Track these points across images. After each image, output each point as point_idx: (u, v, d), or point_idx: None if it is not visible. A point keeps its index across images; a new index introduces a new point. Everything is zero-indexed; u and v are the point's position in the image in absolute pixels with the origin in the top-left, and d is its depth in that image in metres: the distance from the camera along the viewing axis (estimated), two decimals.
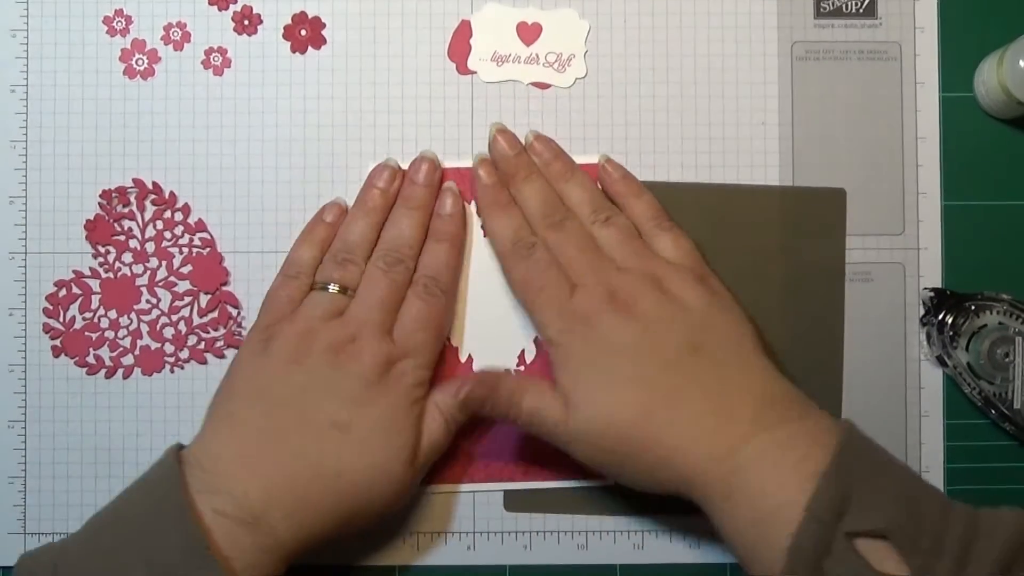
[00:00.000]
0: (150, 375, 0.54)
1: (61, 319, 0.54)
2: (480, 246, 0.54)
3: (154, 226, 0.54)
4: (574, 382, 0.47)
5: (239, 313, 0.54)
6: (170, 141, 0.54)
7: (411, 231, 0.51)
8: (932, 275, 0.54)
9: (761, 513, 0.43)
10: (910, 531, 0.40)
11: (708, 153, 0.54)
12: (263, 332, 0.49)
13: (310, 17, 0.54)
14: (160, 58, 0.54)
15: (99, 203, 0.54)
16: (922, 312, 0.54)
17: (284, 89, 0.54)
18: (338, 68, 0.54)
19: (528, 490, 0.53)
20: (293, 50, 0.54)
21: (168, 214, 0.54)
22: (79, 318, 0.54)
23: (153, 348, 0.54)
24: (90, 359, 0.53)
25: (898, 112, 0.55)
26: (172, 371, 0.54)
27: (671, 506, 0.53)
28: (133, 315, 0.54)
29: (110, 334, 0.54)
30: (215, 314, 0.54)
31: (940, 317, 0.53)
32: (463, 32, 0.55)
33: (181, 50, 0.54)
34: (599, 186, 0.53)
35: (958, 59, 0.55)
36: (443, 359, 0.53)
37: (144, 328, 0.54)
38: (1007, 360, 0.52)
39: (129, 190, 0.54)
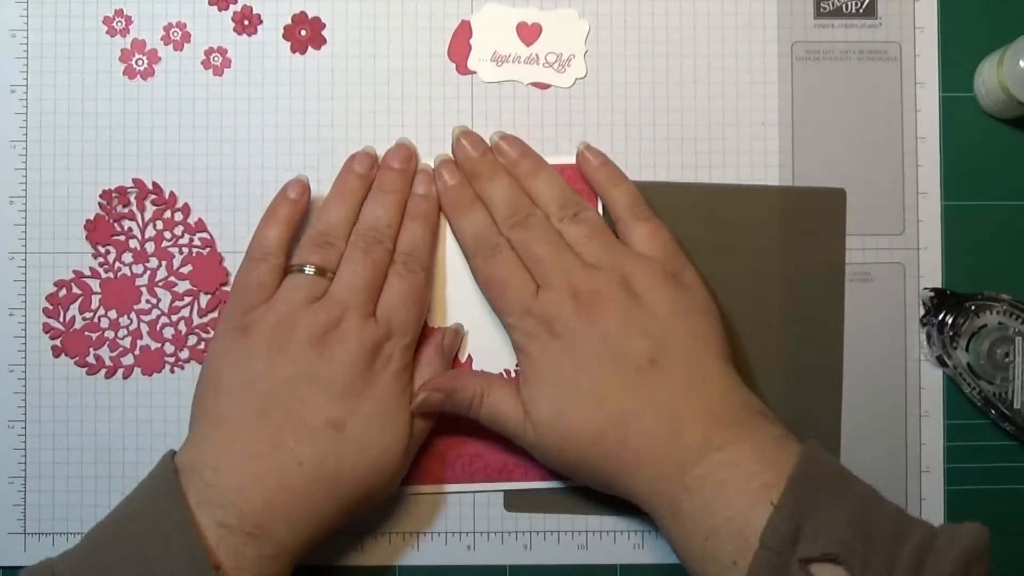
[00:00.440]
0: (150, 375, 0.54)
1: (61, 319, 0.54)
2: None
3: (154, 226, 0.54)
4: (533, 395, 0.48)
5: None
6: (170, 141, 0.54)
7: (388, 212, 0.51)
8: (932, 275, 0.54)
9: (709, 530, 0.44)
10: (862, 552, 0.41)
11: (708, 153, 0.54)
12: (238, 320, 0.49)
13: (310, 17, 0.54)
14: (160, 58, 0.54)
15: (99, 203, 0.54)
16: (922, 312, 0.54)
17: (284, 89, 0.54)
18: (338, 68, 0.54)
19: (528, 490, 0.53)
20: (293, 50, 0.54)
21: (168, 214, 0.54)
22: (79, 318, 0.54)
23: (153, 348, 0.54)
24: (90, 359, 0.54)
25: (898, 112, 0.55)
26: (172, 371, 0.54)
27: None
28: (133, 315, 0.54)
29: (110, 334, 0.54)
30: (215, 314, 0.54)
31: (940, 317, 0.53)
32: (463, 32, 0.55)
33: (181, 50, 0.54)
34: (571, 180, 0.53)
35: (958, 59, 0.55)
36: None
37: (144, 328, 0.54)
38: (1007, 360, 0.52)
39: (129, 190, 0.54)
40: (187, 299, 0.54)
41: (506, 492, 0.53)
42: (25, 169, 0.54)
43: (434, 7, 0.54)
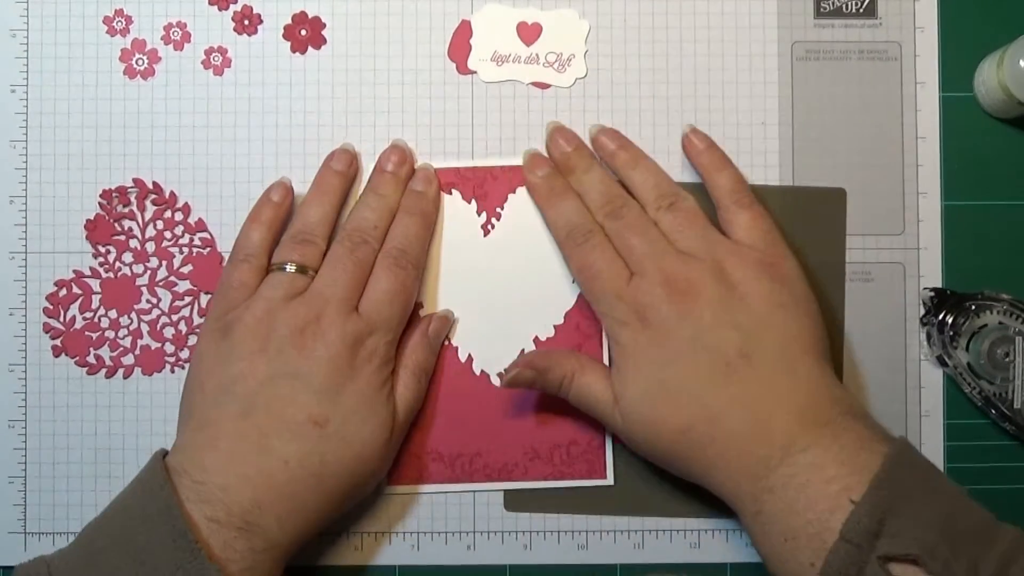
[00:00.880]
0: (150, 375, 0.54)
1: (61, 319, 0.54)
2: (480, 247, 0.54)
3: (154, 226, 0.54)
4: (624, 384, 0.48)
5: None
6: (170, 141, 0.54)
7: (377, 214, 0.51)
8: (932, 275, 0.54)
9: (791, 531, 0.43)
10: (945, 556, 0.40)
11: None
12: (220, 320, 0.49)
13: (310, 17, 0.54)
14: (160, 58, 0.54)
15: (99, 203, 0.54)
16: (922, 312, 0.54)
17: (284, 89, 0.54)
18: (338, 68, 0.54)
19: (528, 490, 0.53)
20: (293, 50, 0.54)
21: (168, 214, 0.54)
22: (79, 318, 0.54)
23: (153, 348, 0.54)
24: (90, 359, 0.54)
25: (898, 112, 0.55)
26: (172, 371, 0.54)
27: (671, 506, 0.53)
28: (133, 315, 0.54)
29: (110, 334, 0.54)
30: None
31: (940, 317, 0.53)
32: (463, 32, 0.55)
33: (181, 50, 0.54)
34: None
35: (958, 59, 0.55)
36: (442, 359, 0.53)
37: (144, 328, 0.54)
38: (1007, 360, 0.52)
39: (129, 190, 0.54)
40: (187, 299, 0.54)
41: (506, 492, 0.53)
42: (25, 169, 0.54)
43: (434, 7, 0.54)
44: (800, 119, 0.55)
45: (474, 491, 0.53)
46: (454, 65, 0.55)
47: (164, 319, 0.54)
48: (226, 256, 0.54)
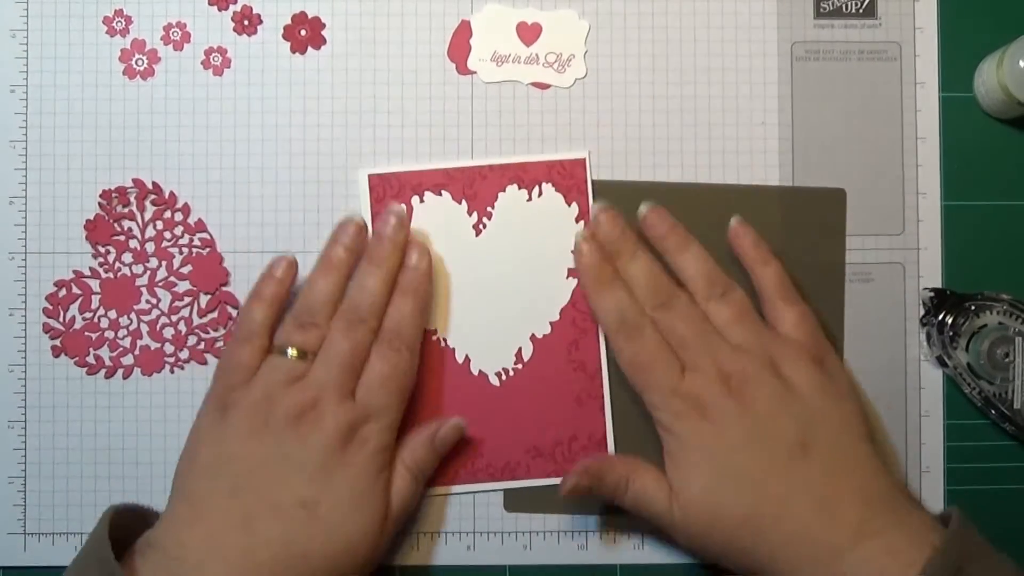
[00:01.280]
0: (150, 375, 0.54)
1: (61, 319, 0.54)
2: (472, 247, 0.54)
3: (154, 226, 0.54)
4: (683, 476, 0.48)
5: (239, 313, 0.54)
6: (170, 141, 0.54)
7: (376, 288, 0.50)
8: (932, 275, 0.54)
9: None
10: None
11: (708, 153, 0.54)
12: (219, 400, 0.49)
13: (310, 17, 0.54)
14: (160, 58, 0.54)
15: (99, 203, 0.54)
16: (922, 312, 0.54)
17: (284, 89, 0.54)
18: (338, 68, 0.54)
19: (528, 490, 0.53)
20: (293, 50, 0.54)
21: (168, 214, 0.54)
22: (79, 318, 0.54)
23: (153, 348, 0.54)
24: (90, 359, 0.54)
25: (898, 112, 0.55)
26: (172, 371, 0.54)
27: None
28: (133, 315, 0.54)
29: (110, 334, 0.54)
30: (215, 314, 0.54)
31: (940, 317, 0.53)
32: (463, 32, 0.55)
33: (181, 50, 0.54)
34: (559, 176, 0.53)
35: (958, 59, 0.55)
36: (440, 361, 0.53)
37: (144, 328, 0.54)
38: (1007, 360, 0.52)
39: (129, 190, 0.54)
40: (187, 299, 0.54)
41: (506, 492, 0.53)
42: (25, 169, 0.54)
43: (434, 7, 0.54)
44: (800, 119, 0.54)
45: (474, 491, 0.53)
46: (454, 65, 0.55)
47: (164, 319, 0.54)
48: (226, 256, 0.54)
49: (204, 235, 0.54)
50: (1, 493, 0.53)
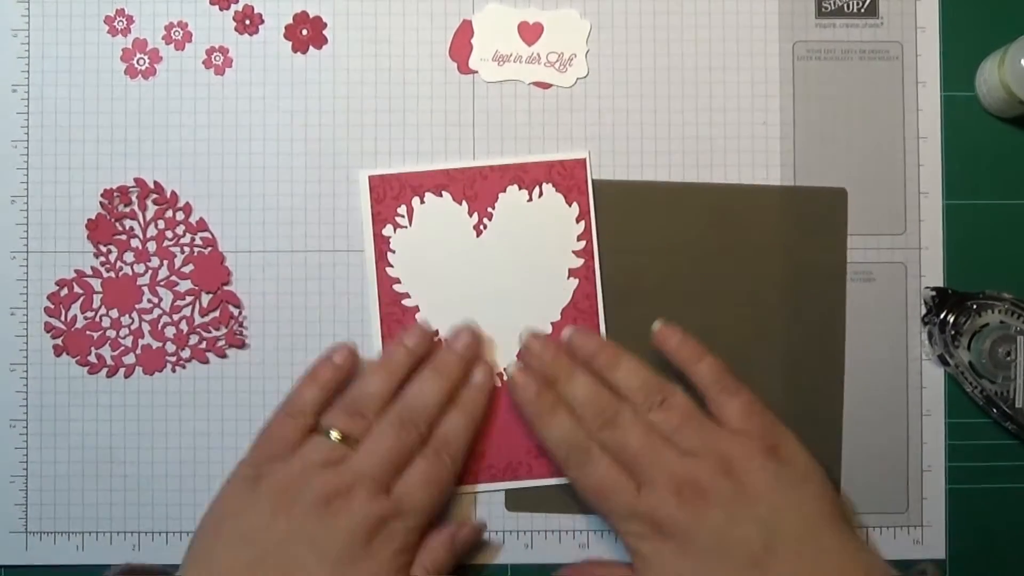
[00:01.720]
0: (151, 374, 0.54)
1: (63, 318, 0.54)
2: (473, 247, 0.54)
3: (155, 225, 0.54)
4: None
5: (240, 312, 0.54)
6: (171, 141, 0.54)
7: (434, 398, 0.50)
8: (934, 274, 0.54)
9: None
10: None
11: (708, 153, 0.54)
12: (254, 468, 0.49)
13: (311, 17, 0.54)
14: (161, 58, 0.54)
15: (100, 202, 0.54)
16: (923, 311, 0.54)
17: (285, 89, 0.54)
18: (339, 68, 0.54)
19: (529, 489, 0.53)
20: (294, 50, 0.54)
21: (169, 213, 0.54)
22: (80, 317, 0.54)
23: (154, 347, 0.54)
24: (91, 358, 0.54)
25: (899, 111, 0.55)
26: (174, 370, 0.54)
27: None
28: (134, 314, 0.54)
29: (111, 333, 0.54)
30: (216, 313, 0.54)
31: (942, 316, 0.53)
32: (464, 32, 0.55)
33: (182, 50, 0.54)
34: (561, 175, 0.53)
35: (959, 58, 0.55)
36: None
37: (145, 327, 0.54)
38: (1008, 359, 0.52)
39: (130, 189, 0.54)
40: (188, 298, 0.54)
41: (507, 491, 0.53)
42: (27, 168, 0.54)
43: (435, 7, 0.55)
44: (801, 119, 0.54)
45: (475, 491, 0.53)
46: (455, 65, 0.55)
47: (165, 319, 0.54)
48: (227, 256, 0.54)
49: (205, 234, 0.54)
50: (3, 492, 0.53)
